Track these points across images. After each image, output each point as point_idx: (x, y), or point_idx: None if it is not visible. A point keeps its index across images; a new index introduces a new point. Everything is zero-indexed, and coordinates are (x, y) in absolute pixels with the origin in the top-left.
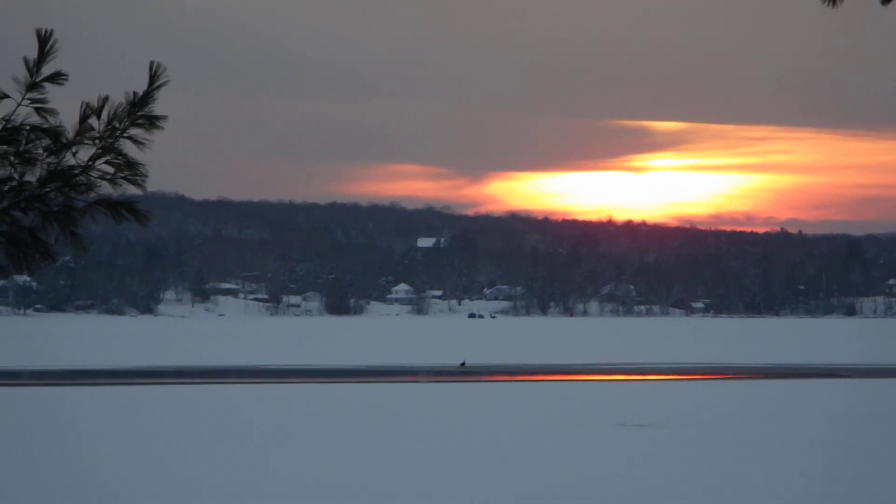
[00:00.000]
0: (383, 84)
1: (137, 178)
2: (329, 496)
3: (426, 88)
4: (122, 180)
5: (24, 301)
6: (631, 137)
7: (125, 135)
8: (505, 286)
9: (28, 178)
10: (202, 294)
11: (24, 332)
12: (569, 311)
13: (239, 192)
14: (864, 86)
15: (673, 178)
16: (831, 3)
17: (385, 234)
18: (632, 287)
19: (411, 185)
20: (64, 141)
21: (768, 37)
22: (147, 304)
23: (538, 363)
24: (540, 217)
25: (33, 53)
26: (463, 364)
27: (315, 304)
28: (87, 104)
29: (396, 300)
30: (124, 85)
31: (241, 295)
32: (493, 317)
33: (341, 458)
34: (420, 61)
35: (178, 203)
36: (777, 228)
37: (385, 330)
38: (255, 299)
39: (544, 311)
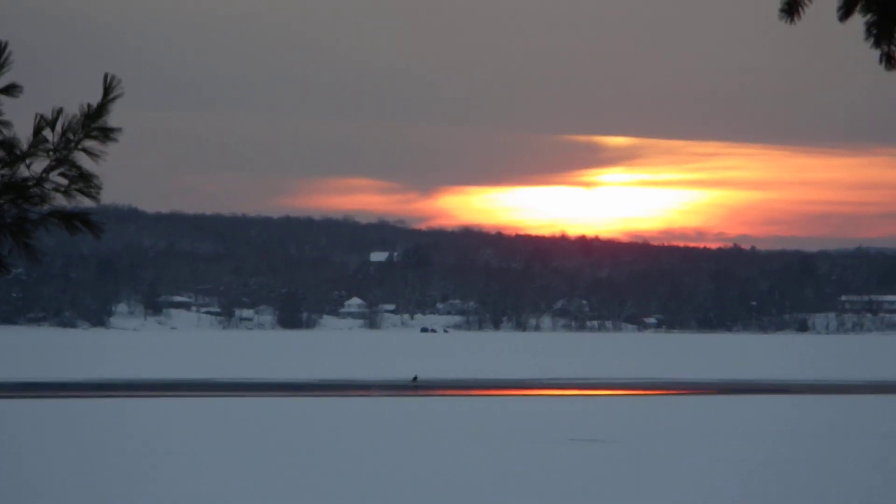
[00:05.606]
0: (332, 99)
1: (91, 189)
2: None
3: (373, 103)
4: (75, 192)
5: None
6: (582, 152)
7: (79, 147)
8: (458, 300)
9: None
10: (155, 307)
11: None
12: (521, 326)
13: (192, 205)
14: (815, 102)
15: (624, 194)
16: (789, 19)
17: (338, 248)
18: (584, 302)
19: (363, 199)
20: (18, 153)
21: (718, 53)
22: (99, 317)
23: (490, 378)
24: (493, 232)
25: None
26: (415, 378)
27: (268, 317)
28: (42, 116)
29: (349, 314)
30: (79, 97)
31: (194, 308)
32: (446, 331)
33: (291, 473)
34: (368, 77)
35: (132, 216)
36: (729, 244)
37: (337, 344)
38: (208, 313)
39: (497, 325)
